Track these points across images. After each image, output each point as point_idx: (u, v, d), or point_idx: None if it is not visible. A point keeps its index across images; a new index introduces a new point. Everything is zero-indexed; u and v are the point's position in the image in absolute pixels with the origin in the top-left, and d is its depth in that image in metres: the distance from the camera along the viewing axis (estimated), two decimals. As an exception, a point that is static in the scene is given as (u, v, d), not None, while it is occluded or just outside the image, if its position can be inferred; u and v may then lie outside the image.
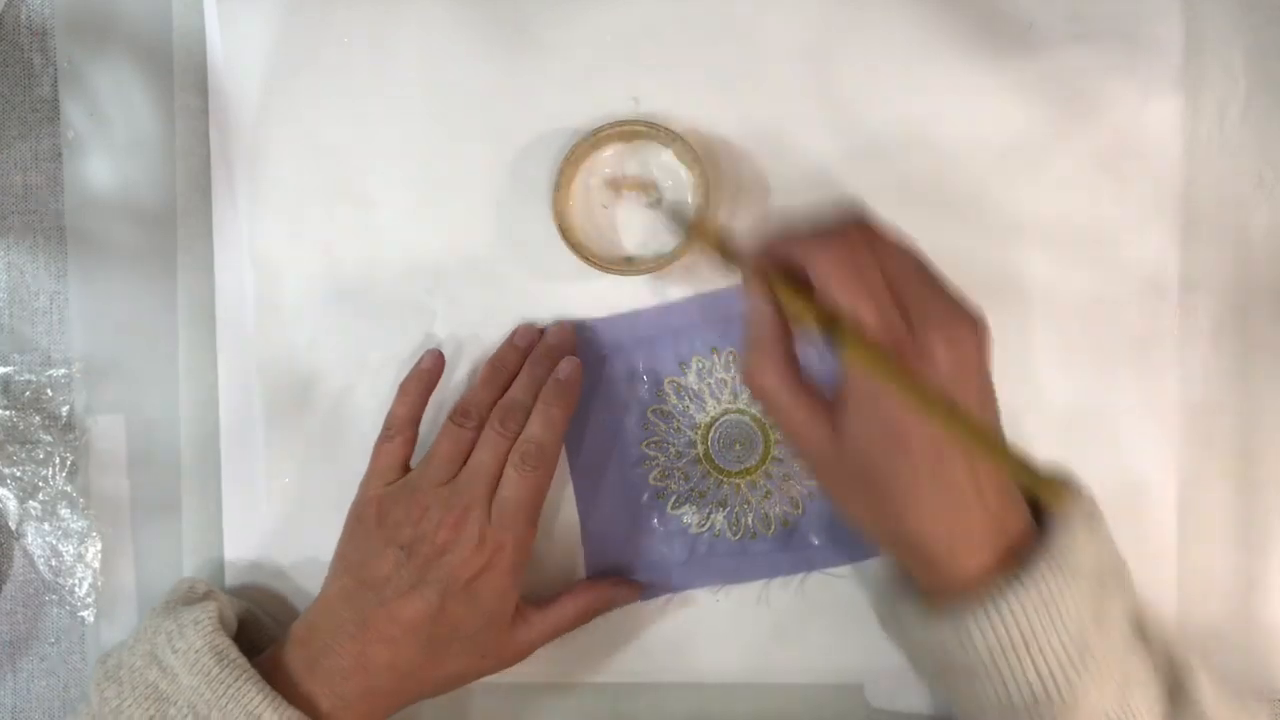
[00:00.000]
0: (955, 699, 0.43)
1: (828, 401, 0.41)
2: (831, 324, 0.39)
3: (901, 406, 0.39)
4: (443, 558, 0.47)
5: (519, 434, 0.49)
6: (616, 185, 0.52)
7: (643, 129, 0.50)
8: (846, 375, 0.40)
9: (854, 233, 0.40)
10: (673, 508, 0.53)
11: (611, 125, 0.50)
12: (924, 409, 0.38)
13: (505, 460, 0.48)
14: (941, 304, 0.40)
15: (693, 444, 0.53)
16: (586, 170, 0.51)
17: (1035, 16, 0.51)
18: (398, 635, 0.46)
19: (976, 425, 0.38)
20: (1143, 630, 0.44)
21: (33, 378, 0.53)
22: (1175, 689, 0.43)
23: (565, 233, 0.50)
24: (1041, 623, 0.39)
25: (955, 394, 0.39)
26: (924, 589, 0.43)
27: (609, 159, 0.52)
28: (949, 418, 0.38)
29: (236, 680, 0.44)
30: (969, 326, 0.40)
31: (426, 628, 0.46)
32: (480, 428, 0.49)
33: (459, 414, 0.49)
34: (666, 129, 0.50)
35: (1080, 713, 0.40)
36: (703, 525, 0.53)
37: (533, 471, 0.48)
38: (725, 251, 0.45)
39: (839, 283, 0.39)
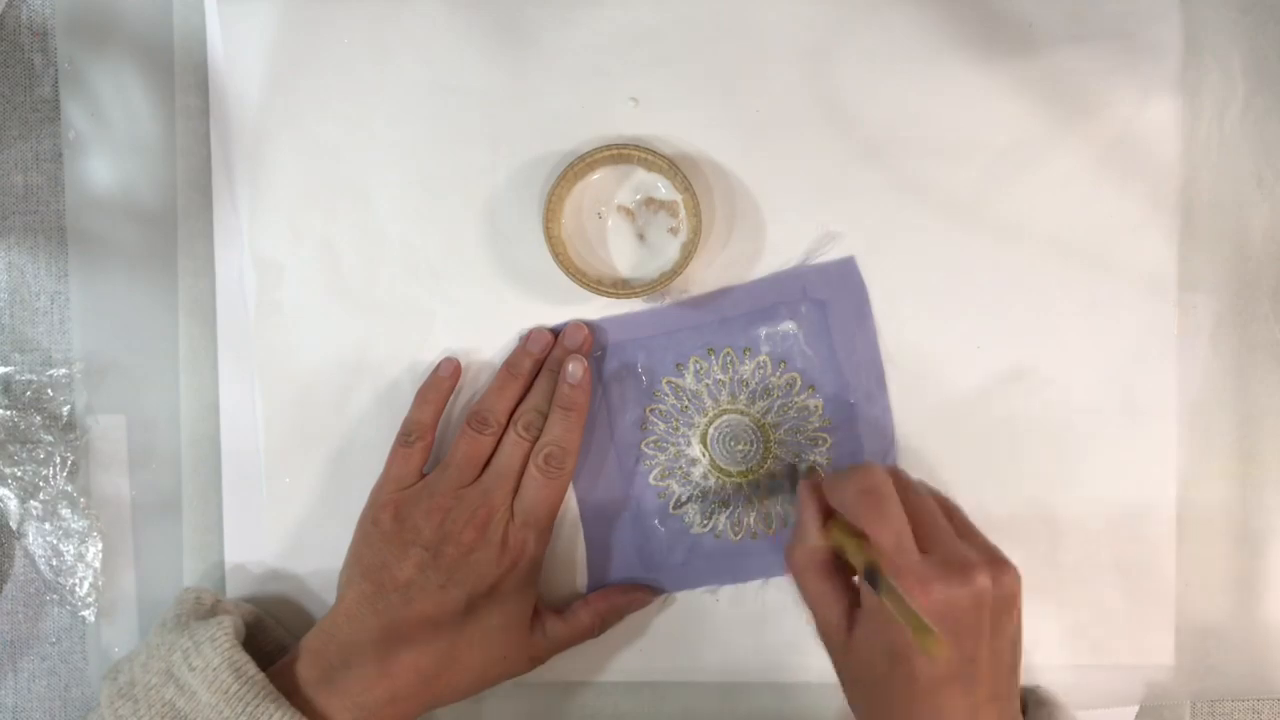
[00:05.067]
0: None
1: (851, 601, 0.44)
2: (852, 543, 0.42)
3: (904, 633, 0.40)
4: (469, 558, 0.47)
5: (539, 437, 0.50)
6: (643, 206, 0.51)
7: (633, 152, 0.50)
8: (864, 592, 0.43)
9: (880, 472, 0.43)
10: (674, 508, 0.53)
11: (602, 149, 0.50)
12: (907, 624, 0.39)
13: (526, 463, 0.49)
14: (965, 545, 0.42)
15: (692, 444, 0.53)
16: (577, 194, 0.51)
17: (1035, 17, 0.51)
18: (423, 637, 0.46)
19: (947, 656, 0.39)
20: None
21: (33, 378, 0.53)
22: None
23: (558, 258, 0.50)
24: None
25: (960, 632, 0.40)
26: None
27: (598, 182, 0.52)
28: (924, 638, 0.38)
29: (256, 697, 0.44)
30: (987, 571, 0.41)
31: (452, 628, 0.47)
32: (498, 434, 0.50)
33: (476, 420, 0.50)
34: (657, 152, 0.50)
35: None
36: (704, 525, 0.53)
37: (557, 472, 0.49)
38: (803, 485, 0.47)
39: (862, 508, 0.42)
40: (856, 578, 0.44)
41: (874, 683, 0.42)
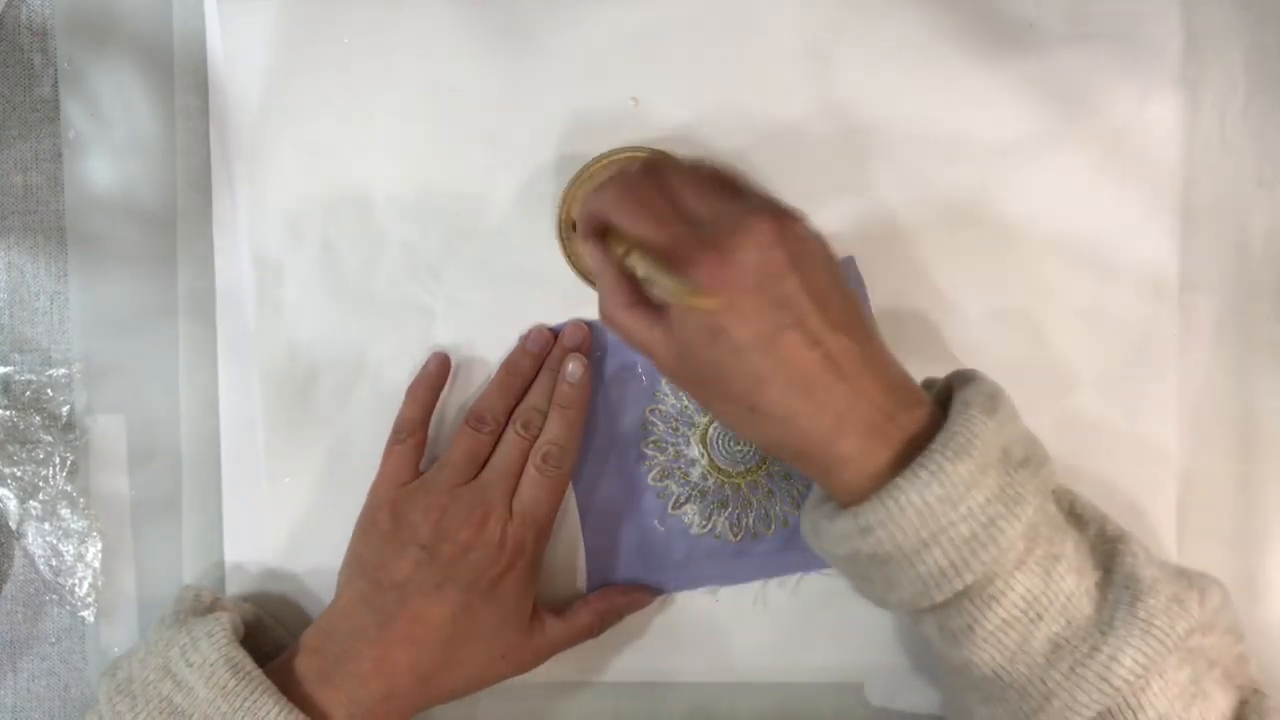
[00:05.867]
0: (872, 588, 0.42)
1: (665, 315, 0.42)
2: (623, 247, 0.41)
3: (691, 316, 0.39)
4: (466, 557, 0.47)
5: (538, 436, 0.49)
6: None
7: (644, 155, 0.50)
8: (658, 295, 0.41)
9: (636, 173, 0.42)
10: (673, 508, 0.53)
11: (613, 153, 0.50)
12: (668, 291, 0.38)
13: (525, 462, 0.49)
14: (734, 208, 0.40)
15: (691, 444, 0.53)
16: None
17: (1035, 16, 0.51)
18: (420, 636, 0.46)
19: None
20: (1073, 511, 0.43)
21: (33, 378, 0.53)
22: (1109, 561, 0.42)
23: (572, 259, 0.50)
24: (943, 509, 0.38)
25: (760, 280, 0.39)
26: (834, 494, 0.42)
27: None
28: (688, 296, 0.37)
29: (253, 693, 0.44)
30: (765, 220, 0.40)
31: (449, 627, 0.47)
32: (496, 432, 0.50)
33: (475, 419, 0.50)
34: (668, 154, 0.50)
35: (999, 592, 0.39)
36: (704, 526, 0.53)
37: (555, 471, 0.49)
38: (572, 230, 0.47)
39: (620, 212, 0.41)
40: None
41: (710, 370, 0.40)
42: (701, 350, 0.40)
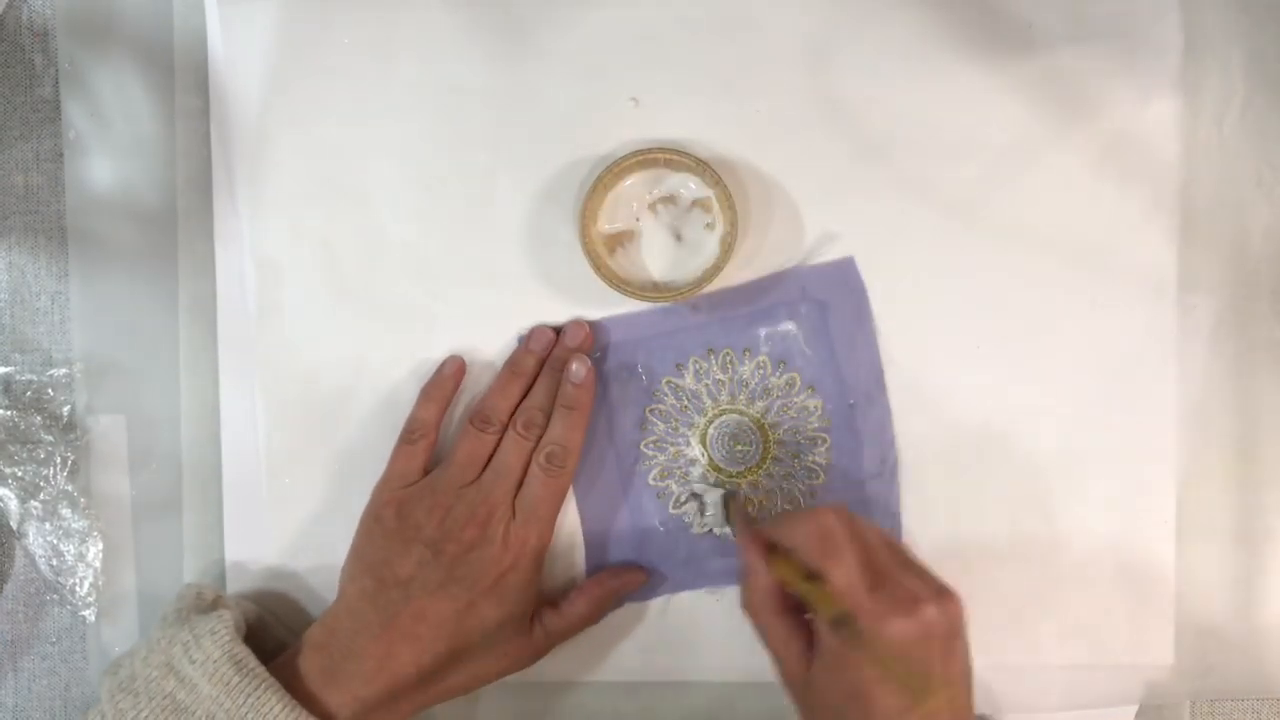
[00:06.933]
0: None
1: (806, 638, 0.44)
2: (804, 582, 0.43)
3: (865, 670, 0.41)
4: (469, 556, 0.47)
5: (540, 437, 0.50)
6: (670, 203, 0.51)
7: (659, 155, 0.50)
8: (820, 629, 0.43)
9: (828, 514, 0.44)
10: (673, 508, 0.53)
11: (625, 159, 0.50)
12: (862, 654, 0.40)
13: (528, 462, 0.50)
14: (911, 579, 0.43)
15: (692, 444, 0.53)
16: (610, 203, 0.51)
17: (1035, 17, 0.51)
18: (424, 633, 0.47)
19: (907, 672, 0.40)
20: None
21: (34, 378, 0.53)
22: None
23: (593, 259, 0.50)
24: None
25: (912, 663, 0.41)
26: None
27: (629, 189, 0.51)
28: (886, 666, 0.40)
29: (257, 689, 0.44)
30: (933, 603, 0.42)
31: (452, 625, 0.47)
32: (500, 433, 0.50)
33: (479, 419, 0.50)
34: (683, 152, 0.50)
35: None
36: (704, 526, 0.53)
37: (559, 471, 0.49)
38: (740, 526, 0.49)
39: (810, 548, 0.43)
40: (809, 615, 0.45)
41: (831, 696, 0.42)
42: (836, 701, 0.42)
